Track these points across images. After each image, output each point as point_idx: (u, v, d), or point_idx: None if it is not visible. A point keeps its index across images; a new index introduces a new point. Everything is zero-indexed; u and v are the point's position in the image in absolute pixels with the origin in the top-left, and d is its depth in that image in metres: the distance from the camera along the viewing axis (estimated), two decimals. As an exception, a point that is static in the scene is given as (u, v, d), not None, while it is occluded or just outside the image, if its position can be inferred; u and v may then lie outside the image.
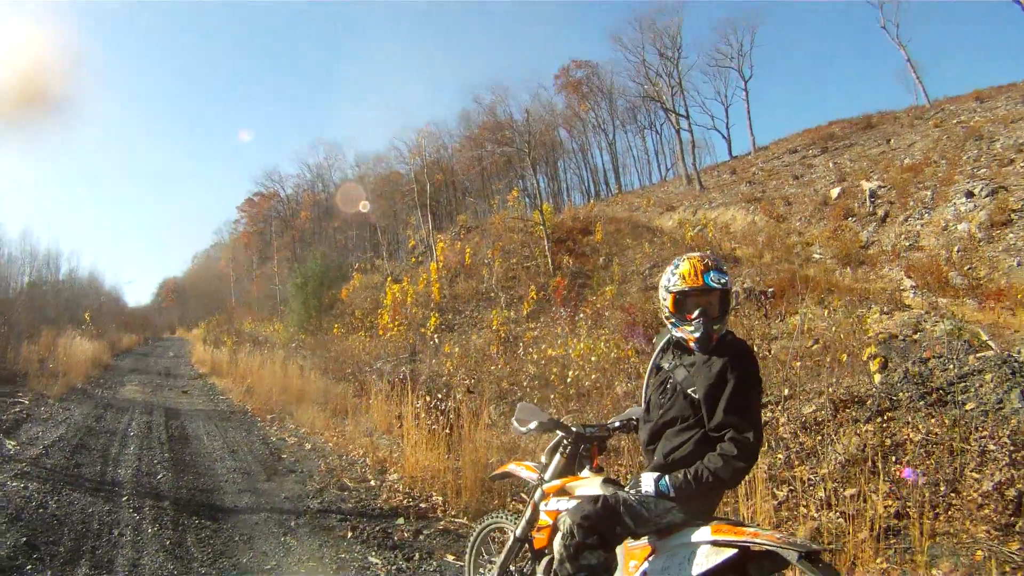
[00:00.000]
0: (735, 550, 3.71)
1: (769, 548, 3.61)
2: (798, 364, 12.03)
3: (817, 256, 24.82)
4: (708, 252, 4.30)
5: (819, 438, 8.31)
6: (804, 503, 6.98)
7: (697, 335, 4.08)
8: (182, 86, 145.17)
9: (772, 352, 13.57)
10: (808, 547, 3.58)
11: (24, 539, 7.27)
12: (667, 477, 3.99)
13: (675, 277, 4.17)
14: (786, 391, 10.10)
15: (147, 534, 7.73)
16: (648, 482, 4.04)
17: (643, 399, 4.47)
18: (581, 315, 17.63)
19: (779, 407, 9.55)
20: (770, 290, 18.59)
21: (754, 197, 34.65)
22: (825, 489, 6.95)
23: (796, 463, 7.94)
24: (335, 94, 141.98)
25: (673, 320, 4.21)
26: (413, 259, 37.63)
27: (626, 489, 4.20)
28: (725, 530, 3.80)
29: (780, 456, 8.05)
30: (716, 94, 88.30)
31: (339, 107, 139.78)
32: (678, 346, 4.29)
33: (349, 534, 7.70)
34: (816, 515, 6.60)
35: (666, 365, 4.31)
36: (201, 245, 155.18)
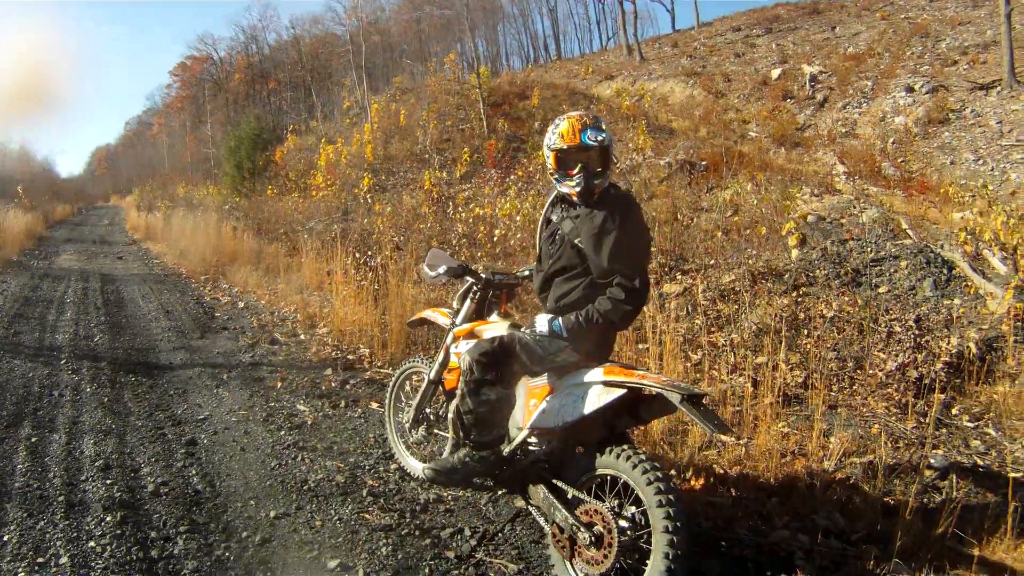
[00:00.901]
0: (624, 390, 3.96)
1: (656, 390, 3.87)
2: (720, 235, 12.33)
3: (753, 134, 25.01)
4: (587, 112, 4.45)
5: (735, 307, 8.65)
6: (716, 367, 7.37)
7: (578, 189, 4.30)
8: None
9: (695, 223, 13.86)
10: (690, 390, 3.86)
11: (-34, 407, 7.42)
12: (560, 318, 4.28)
13: (555, 136, 4.37)
14: (709, 260, 10.40)
15: (86, 393, 8.03)
16: (542, 323, 4.35)
17: (537, 251, 4.73)
18: (512, 177, 17.70)
19: (700, 275, 9.88)
20: (703, 163, 18.76)
21: (694, 71, 34.60)
22: (736, 355, 7.40)
23: (713, 329, 8.30)
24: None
25: (557, 176, 4.43)
26: (348, 120, 37.08)
27: (522, 330, 4.52)
28: (616, 372, 4.06)
29: (698, 321, 8.42)
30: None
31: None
32: (565, 200, 4.52)
33: (279, 384, 8.10)
34: (726, 379, 6.98)
35: (555, 218, 4.55)
36: (133, 111, 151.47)
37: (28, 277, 17.38)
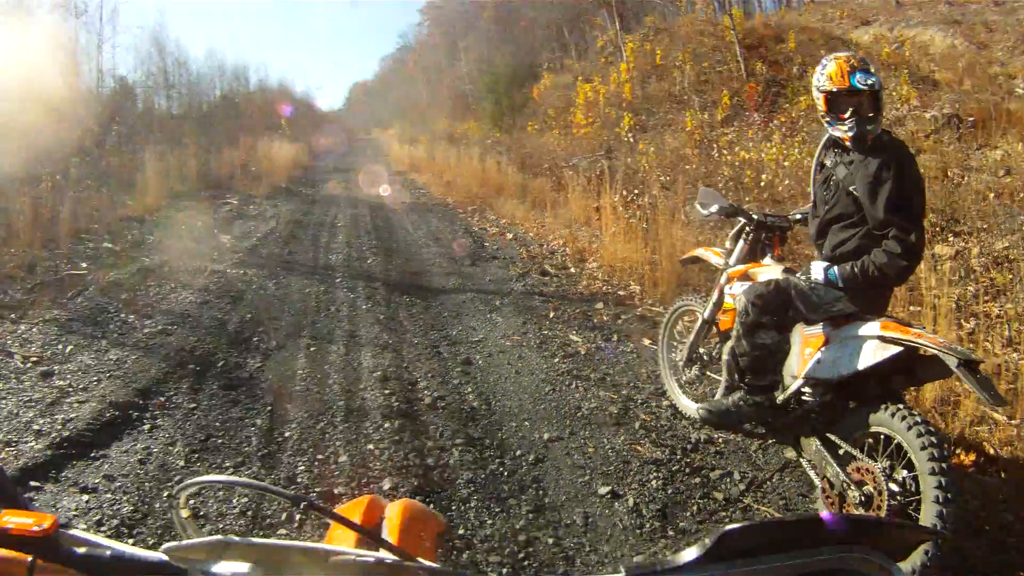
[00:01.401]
0: (900, 348, 3.80)
1: (932, 351, 3.69)
2: (992, 196, 11.67)
3: (1020, 91, 23.39)
4: (854, 52, 4.29)
5: (1010, 276, 8.17)
6: (989, 339, 6.77)
7: (851, 134, 4.13)
8: None
9: (966, 182, 13.15)
10: (967, 355, 3.64)
11: (249, 315, 8.13)
12: (836, 267, 4.15)
13: (823, 77, 4.22)
14: (982, 224, 9.87)
15: (362, 310, 8.45)
16: (818, 270, 4.23)
17: (811, 195, 4.60)
18: (775, 122, 17.24)
19: (972, 237, 9.35)
20: (970, 119, 17.77)
21: (953, 19, 32.37)
22: (1011, 328, 6.87)
23: (986, 299, 7.84)
24: None
25: (828, 119, 4.27)
26: (603, 59, 36.91)
27: (798, 275, 4.40)
28: (892, 327, 3.90)
29: (970, 288, 7.92)
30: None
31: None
32: (837, 144, 4.34)
33: (551, 314, 8.17)
34: (999, 353, 6.41)
35: (828, 162, 4.40)
36: (387, 49, 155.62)
37: (298, 203, 18.43)
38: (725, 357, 4.85)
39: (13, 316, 7.91)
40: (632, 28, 42.14)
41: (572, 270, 10.39)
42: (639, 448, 5.10)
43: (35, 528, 0.84)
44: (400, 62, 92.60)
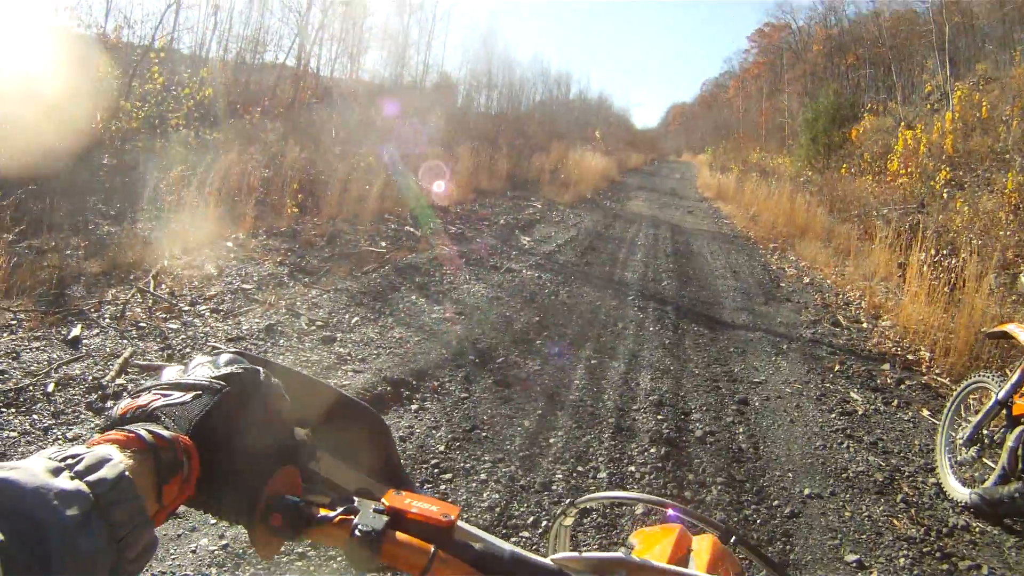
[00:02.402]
0: None
1: None
2: None
3: None
4: None
5: None
6: None
7: None
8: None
9: None
10: None
11: (537, 319, 8.30)
12: None
13: None
14: None
15: (648, 331, 8.46)
16: None
17: None
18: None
19: None
20: None
21: None
22: None
23: None
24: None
25: None
26: (928, 106, 35.56)
27: None
28: None
29: None
30: None
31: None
32: None
33: (836, 367, 7.91)
34: None
35: None
36: (710, 73, 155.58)
37: (601, 215, 18.66)
38: (1010, 444, 4.63)
39: (307, 280, 8.56)
40: (962, 75, 40.41)
41: (864, 325, 10.03)
42: (895, 522, 4.90)
43: (442, 517, 0.87)
44: (721, 87, 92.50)
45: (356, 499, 0.90)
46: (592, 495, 1.25)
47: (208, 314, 7.04)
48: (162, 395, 0.87)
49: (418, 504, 0.89)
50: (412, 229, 12.24)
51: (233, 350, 0.97)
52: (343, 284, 8.53)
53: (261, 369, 0.94)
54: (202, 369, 0.93)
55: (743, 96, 79.24)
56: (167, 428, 0.82)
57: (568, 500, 1.30)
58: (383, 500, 0.89)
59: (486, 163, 20.30)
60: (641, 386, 6.69)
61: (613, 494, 1.71)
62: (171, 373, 0.94)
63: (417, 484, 4.52)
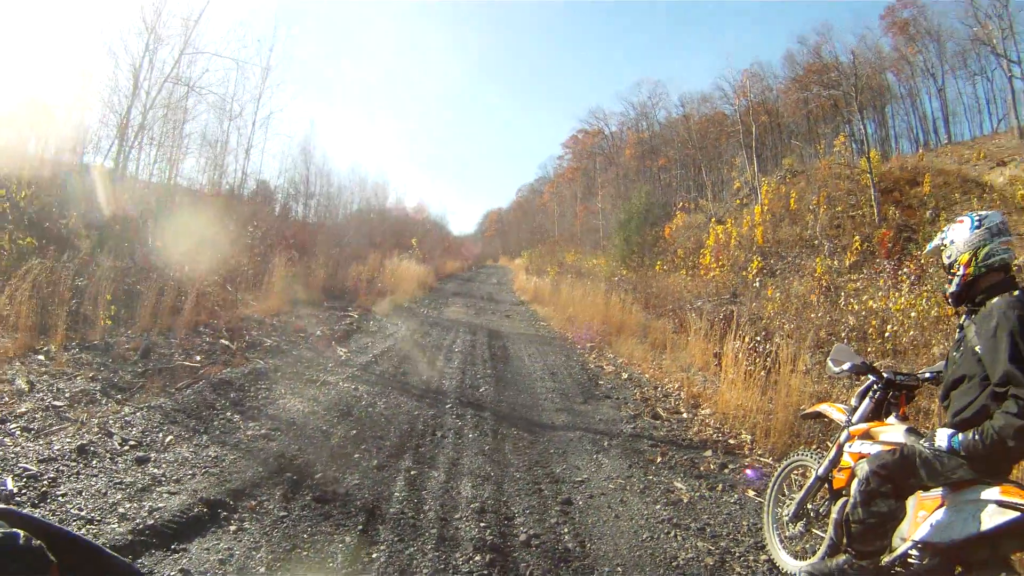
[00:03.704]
0: (1020, 513, 3.67)
1: None
2: None
3: None
4: (978, 212, 4.31)
5: None
6: None
7: (955, 290, 4.27)
8: (512, 34, 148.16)
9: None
10: None
11: (354, 432, 8.14)
12: (960, 435, 3.99)
13: (948, 236, 4.34)
14: None
15: (468, 439, 8.36)
16: (942, 437, 4.09)
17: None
18: (904, 270, 17.03)
19: None
20: None
21: None
22: None
23: None
24: (659, 32, 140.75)
25: (949, 277, 4.34)
26: (737, 201, 37.14)
27: (922, 442, 4.26)
28: (1013, 492, 3.78)
29: None
30: (1056, 37, 79.24)
31: (662, 47, 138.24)
32: (978, 304, 4.23)
33: (658, 459, 7.98)
34: None
35: (964, 322, 4.32)
36: (525, 179, 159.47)
37: (418, 323, 18.67)
38: (835, 516, 4.77)
39: (120, 397, 8.17)
40: (769, 170, 42.35)
41: (684, 415, 10.20)
42: (730, 602, 4.90)
43: None
44: (536, 192, 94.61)
45: None
46: None
47: (19, 433, 6.61)
48: None
49: None
50: (227, 342, 11.89)
51: (1, 507, 0.87)
52: (157, 401, 8.17)
53: (21, 533, 0.83)
54: None
55: (558, 200, 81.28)
56: None
57: None
58: None
59: (303, 273, 20.14)
60: (463, 494, 6.58)
61: None
62: None
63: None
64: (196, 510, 5.46)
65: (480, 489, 6.73)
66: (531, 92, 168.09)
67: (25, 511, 1.03)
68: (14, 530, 0.86)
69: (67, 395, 7.96)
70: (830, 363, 5.34)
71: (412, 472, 7.03)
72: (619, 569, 5.27)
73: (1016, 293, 4.04)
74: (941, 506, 4.08)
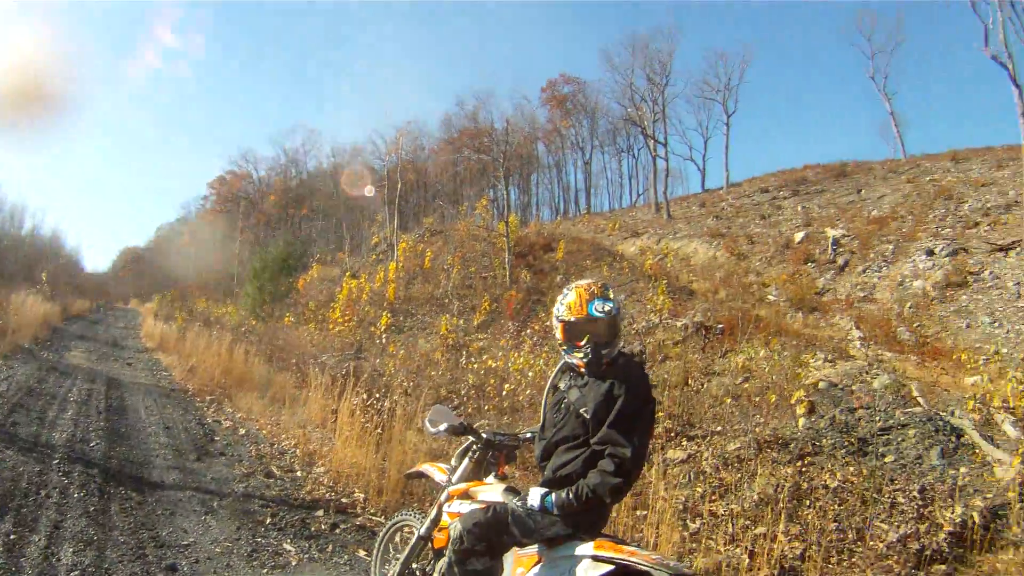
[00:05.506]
0: (612, 566, 3.90)
1: (644, 568, 3.82)
2: (729, 401, 12.26)
3: (771, 298, 24.88)
4: (597, 280, 4.51)
5: (739, 476, 8.49)
6: (713, 537, 7.11)
7: (586, 360, 4.34)
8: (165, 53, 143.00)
9: (706, 388, 13.82)
10: (679, 570, 3.82)
11: (-56, 491, 7.37)
12: (553, 494, 4.21)
13: (563, 307, 4.44)
14: (716, 427, 10.32)
15: (73, 498, 7.92)
16: (535, 496, 4.27)
17: (542, 417, 4.70)
18: (528, 331, 17.76)
19: (705, 441, 9.76)
20: (719, 326, 18.72)
21: (719, 232, 34.76)
22: (735, 525, 7.15)
23: (714, 498, 8.12)
24: (321, 78, 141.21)
25: (565, 347, 4.47)
26: (374, 256, 37.58)
27: (515, 501, 4.44)
28: (607, 547, 4.01)
29: (699, 489, 8.22)
30: (698, 125, 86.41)
31: (324, 92, 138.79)
32: (573, 369, 4.52)
33: (268, 520, 7.92)
34: (723, 550, 6.75)
35: (562, 386, 4.55)
36: (166, 217, 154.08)
37: (36, 368, 17.35)
38: None
39: None
40: (410, 227, 43.12)
41: (299, 473, 10.16)
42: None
43: None
44: (176, 233, 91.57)
45: None
46: None
47: None
48: None
49: None
50: None
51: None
52: None
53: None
54: None
55: (196, 244, 79.14)
56: None
57: None
58: None
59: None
60: (63, 561, 6.25)
61: None
62: None
63: None
64: None
65: (81, 555, 6.41)
66: (184, 122, 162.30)
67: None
68: None
69: None
70: (427, 424, 5.46)
71: (11, 536, 6.61)
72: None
73: (629, 365, 4.37)
74: (539, 562, 4.25)
